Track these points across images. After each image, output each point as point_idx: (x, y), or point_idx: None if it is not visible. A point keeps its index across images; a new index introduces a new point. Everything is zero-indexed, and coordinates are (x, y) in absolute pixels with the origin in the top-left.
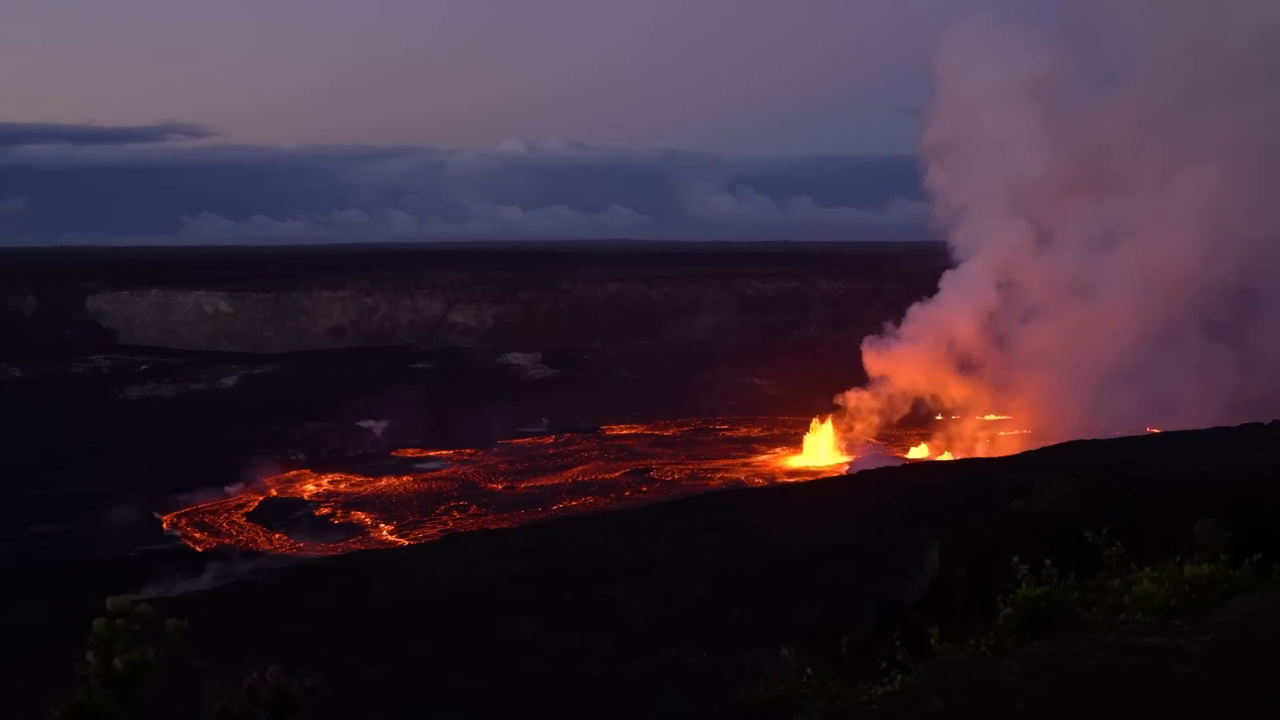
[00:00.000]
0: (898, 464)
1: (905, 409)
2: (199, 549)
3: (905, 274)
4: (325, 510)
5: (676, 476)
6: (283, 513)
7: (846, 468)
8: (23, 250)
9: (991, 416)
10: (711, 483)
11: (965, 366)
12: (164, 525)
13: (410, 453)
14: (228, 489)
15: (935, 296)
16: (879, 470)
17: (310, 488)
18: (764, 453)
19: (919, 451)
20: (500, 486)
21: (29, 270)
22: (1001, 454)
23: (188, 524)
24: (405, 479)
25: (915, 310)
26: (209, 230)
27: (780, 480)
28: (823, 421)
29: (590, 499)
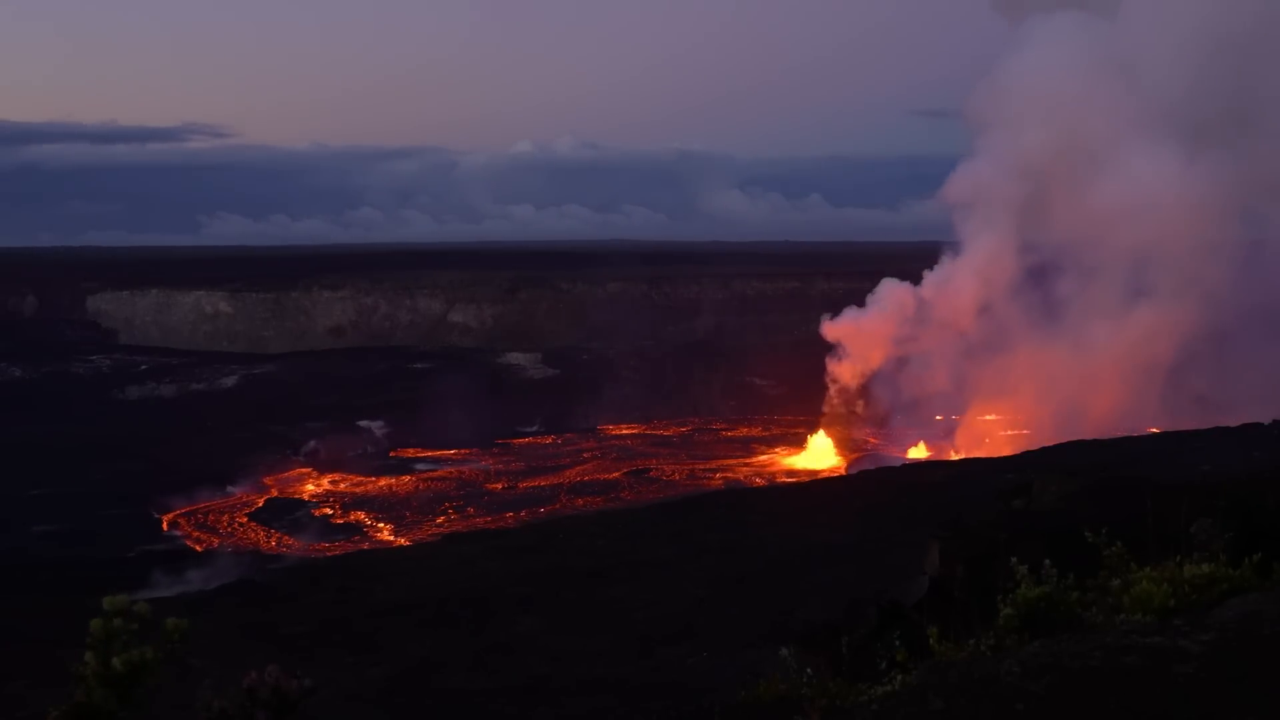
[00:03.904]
0: (897, 464)
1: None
2: (199, 549)
3: (906, 274)
4: (325, 510)
5: (676, 476)
6: (283, 513)
7: (846, 468)
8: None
9: (991, 416)
10: (711, 483)
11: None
12: (164, 525)
13: (410, 453)
14: (228, 489)
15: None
16: (879, 470)
17: (310, 488)
18: (764, 453)
19: (919, 451)
20: (500, 486)
21: (29, 270)
22: (1001, 454)
23: (188, 524)
24: (405, 479)
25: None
26: (228, 230)
27: (780, 480)
28: (819, 430)
29: (590, 499)
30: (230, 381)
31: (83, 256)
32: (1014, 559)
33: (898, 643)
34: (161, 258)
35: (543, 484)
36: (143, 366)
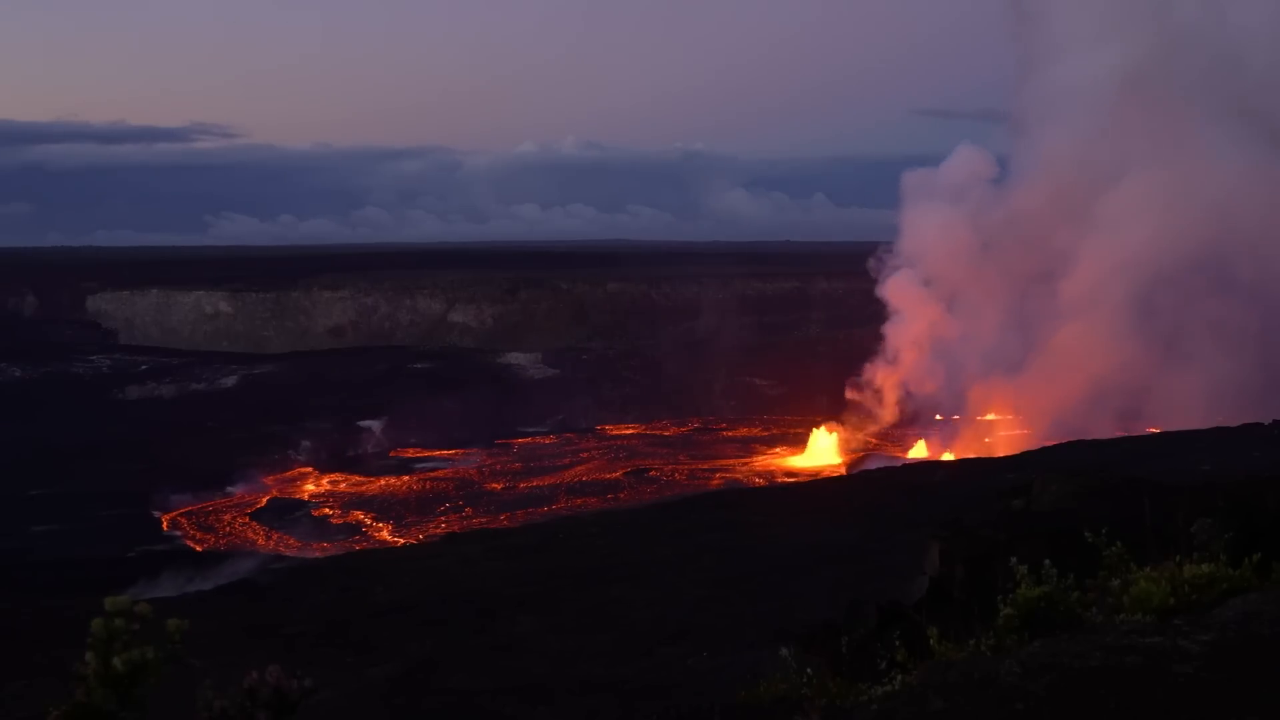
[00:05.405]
0: (898, 464)
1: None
2: (199, 549)
3: None
4: (325, 510)
5: (676, 476)
6: (283, 513)
7: (846, 468)
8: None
9: (991, 416)
10: (711, 483)
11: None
12: (164, 525)
13: (410, 453)
14: (227, 489)
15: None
16: (879, 470)
17: (310, 488)
18: (764, 453)
19: (919, 451)
20: (500, 486)
21: (29, 270)
22: (1001, 454)
23: (188, 524)
24: (405, 479)
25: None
26: (234, 230)
27: (780, 480)
28: (825, 427)
29: (590, 499)
30: (230, 381)
31: (89, 257)
32: (1014, 559)
33: (898, 643)
34: (167, 258)
35: (542, 484)
36: (143, 366)
